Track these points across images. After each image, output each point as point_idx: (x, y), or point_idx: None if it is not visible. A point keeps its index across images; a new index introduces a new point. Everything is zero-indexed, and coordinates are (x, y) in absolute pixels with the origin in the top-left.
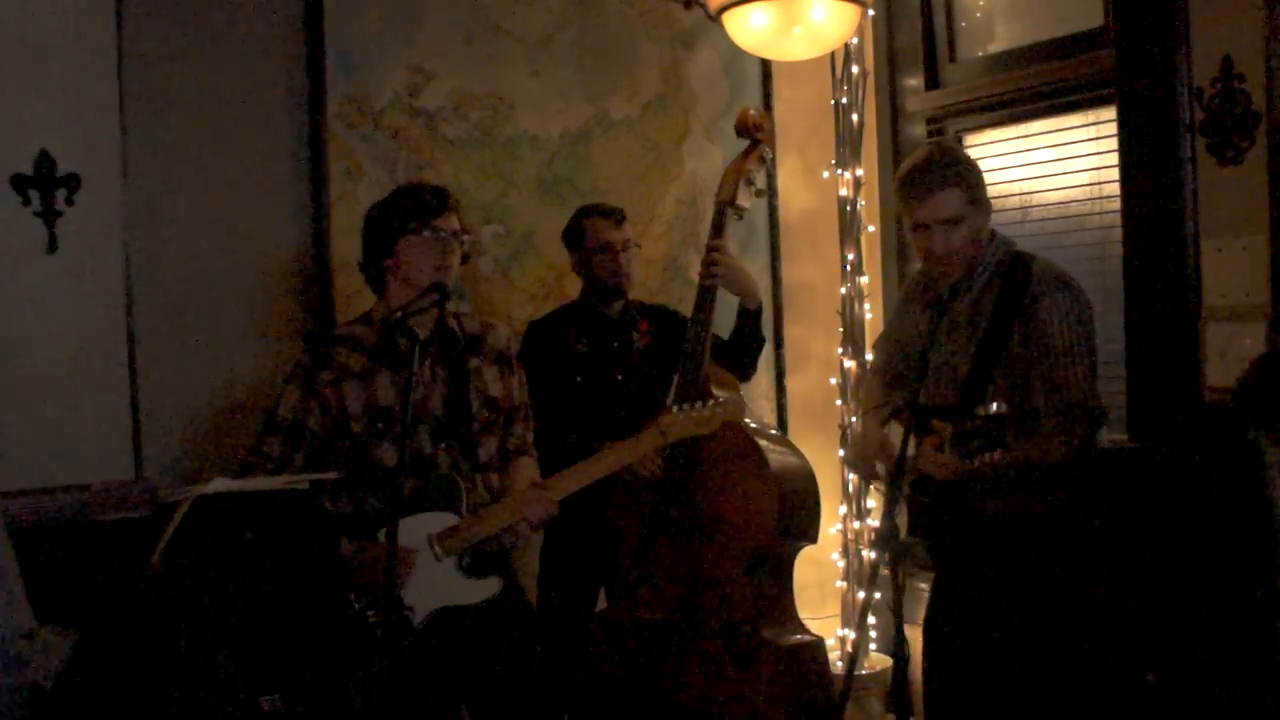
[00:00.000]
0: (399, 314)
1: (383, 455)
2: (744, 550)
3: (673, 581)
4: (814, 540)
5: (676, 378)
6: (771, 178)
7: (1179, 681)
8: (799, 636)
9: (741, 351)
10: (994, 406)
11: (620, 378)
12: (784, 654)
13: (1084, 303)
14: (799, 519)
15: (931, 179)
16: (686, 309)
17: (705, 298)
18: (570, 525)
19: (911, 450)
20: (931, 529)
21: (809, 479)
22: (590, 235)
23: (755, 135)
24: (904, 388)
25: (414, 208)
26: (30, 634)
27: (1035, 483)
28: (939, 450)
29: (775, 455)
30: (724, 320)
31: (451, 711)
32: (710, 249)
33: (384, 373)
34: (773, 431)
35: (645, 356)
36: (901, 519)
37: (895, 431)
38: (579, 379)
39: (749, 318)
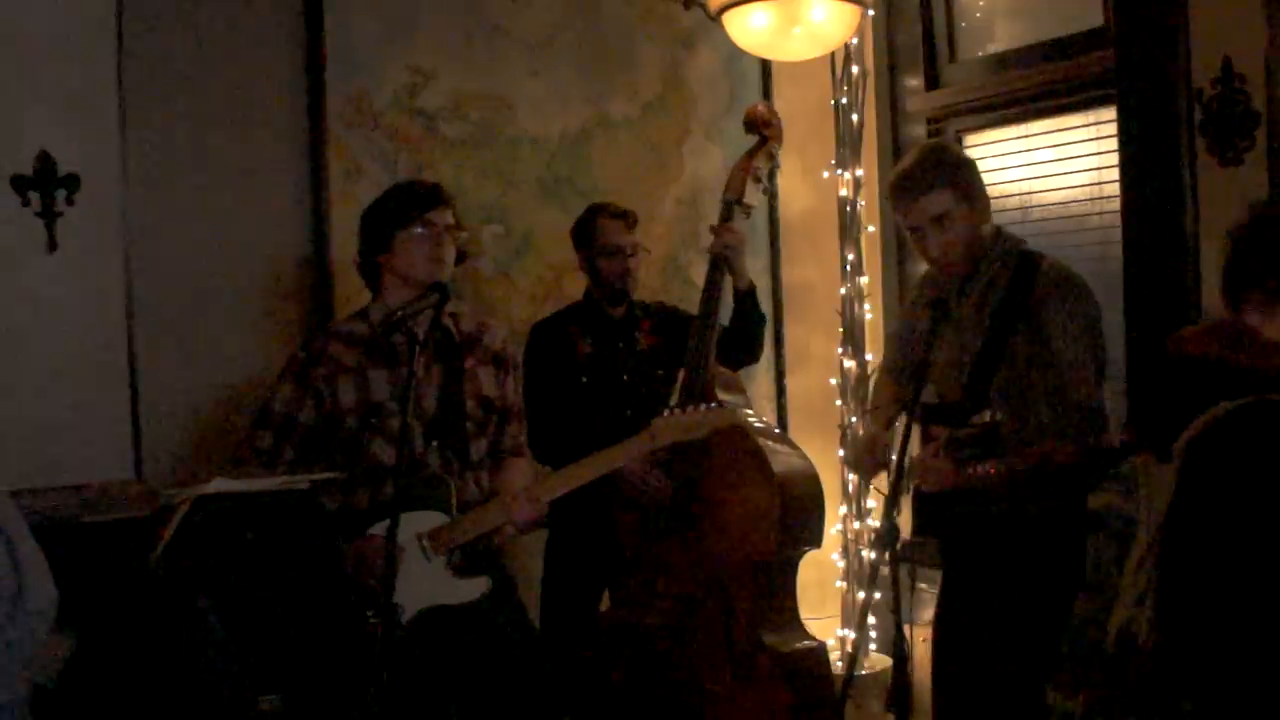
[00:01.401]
0: (398, 314)
1: (376, 451)
2: (747, 555)
3: (675, 585)
4: (818, 544)
5: (681, 376)
6: (772, 177)
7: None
8: (801, 642)
9: (747, 327)
10: (988, 415)
11: (627, 378)
12: (786, 660)
13: (1091, 305)
14: (803, 524)
15: (917, 182)
16: (686, 308)
17: (717, 268)
18: (574, 527)
19: (915, 450)
20: (939, 529)
21: (813, 482)
22: (600, 235)
23: (764, 131)
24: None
25: (407, 202)
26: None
27: (1041, 484)
28: (938, 455)
29: (779, 459)
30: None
31: (441, 711)
32: (720, 229)
33: (378, 369)
34: (777, 432)
35: (649, 356)
36: (903, 519)
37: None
38: (584, 379)
39: (745, 297)
